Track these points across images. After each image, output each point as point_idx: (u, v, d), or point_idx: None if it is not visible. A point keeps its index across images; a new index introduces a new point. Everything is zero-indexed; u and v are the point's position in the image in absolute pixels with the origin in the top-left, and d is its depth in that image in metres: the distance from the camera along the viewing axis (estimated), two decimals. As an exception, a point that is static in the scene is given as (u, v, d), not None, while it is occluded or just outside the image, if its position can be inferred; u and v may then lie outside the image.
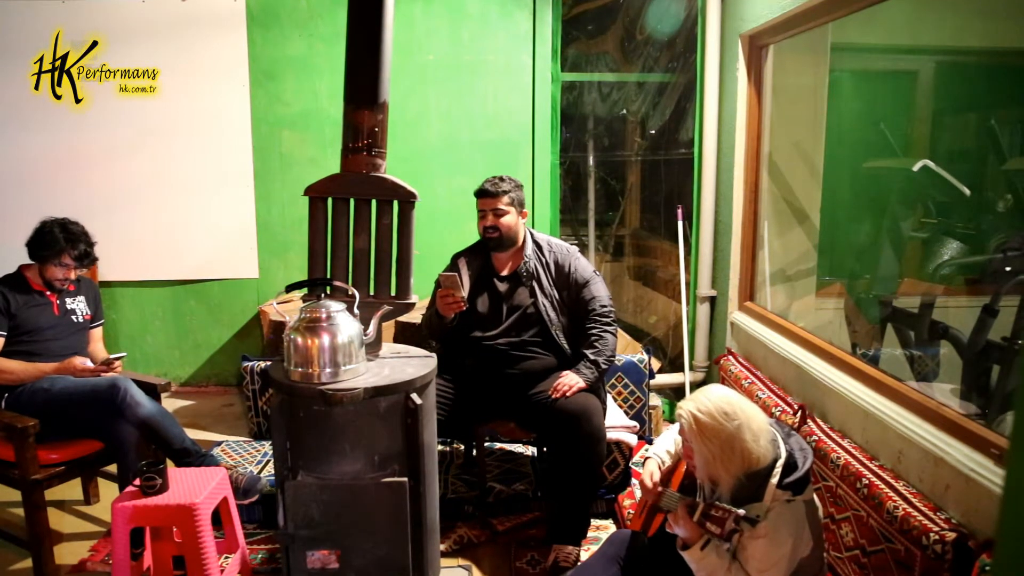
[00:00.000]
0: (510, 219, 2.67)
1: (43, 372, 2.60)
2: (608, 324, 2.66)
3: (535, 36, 4.06)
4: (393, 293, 2.21)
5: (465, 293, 2.58)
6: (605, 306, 2.67)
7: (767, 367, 3.12)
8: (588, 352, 2.62)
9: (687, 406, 1.76)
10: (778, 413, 2.66)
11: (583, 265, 2.74)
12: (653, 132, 4.58)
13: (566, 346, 2.69)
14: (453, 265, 2.79)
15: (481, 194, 2.69)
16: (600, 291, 2.69)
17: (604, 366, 2.62)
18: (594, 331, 2.64)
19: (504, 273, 2.75)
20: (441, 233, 3.98)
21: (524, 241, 2.75)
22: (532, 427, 2.74)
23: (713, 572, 1.73)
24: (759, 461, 1.71)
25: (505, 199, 2.66)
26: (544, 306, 2.68)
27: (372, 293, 2.21)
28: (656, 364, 3.76)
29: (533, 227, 3.14)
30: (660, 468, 2.06)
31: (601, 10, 4.47)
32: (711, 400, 1.74)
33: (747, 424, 1.71)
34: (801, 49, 3.34)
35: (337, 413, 1.92)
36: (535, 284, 2.70)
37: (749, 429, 1.70)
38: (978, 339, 2.40)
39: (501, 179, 2.69)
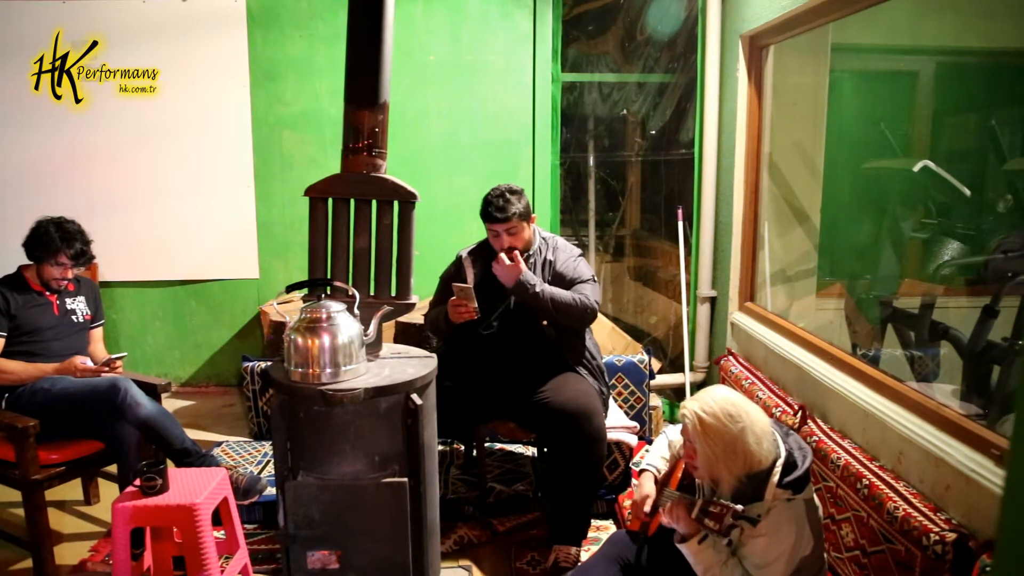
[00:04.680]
0: (525, 233, 2.62)
1: (44, 372, 2.60)
2: (587, 308, 2.55)
3: (535, 36, 4.06)
4: (393, 293, 2.21)
5: (470, 284, 2.55)
6: (589, 298, 2.57)
7: (767, 367, 3.12)
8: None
9: (691, 406, 1.76)
10: (778, 413, 2.66)
11: (584, 268, 2.69)
12: (653, 132, 4.58)
13: (563, 347, 2.68)
14: (458, 263, 2.77)
15: (489, 219, 2.56)
16: (589, 292, 2.61)
17: (542, 296, 2.50)
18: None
19: None
20: (441, 233, 3.98)
21: (533, 242, 2.70)
22: (532, 427, 2.73)
23: (710, 566, 1.74)
24: (760, 463, 1.71)
25: (515, 219, 2.55)
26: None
27: (372, 293, 2.21)
28: (656, 364, 3.76)
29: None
30: (656, 480, 2.07)
31: (601, 10, 4.47)
32: (715, 401, 1.74)
33: (750, 427, 1.71)
34: (801, 49, 3.34)
35: (337, 413, 1.92)
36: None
37: (752, 432, 1.70)
38: (978, 339, 2.40)
39: (504, 198, 2.53)
